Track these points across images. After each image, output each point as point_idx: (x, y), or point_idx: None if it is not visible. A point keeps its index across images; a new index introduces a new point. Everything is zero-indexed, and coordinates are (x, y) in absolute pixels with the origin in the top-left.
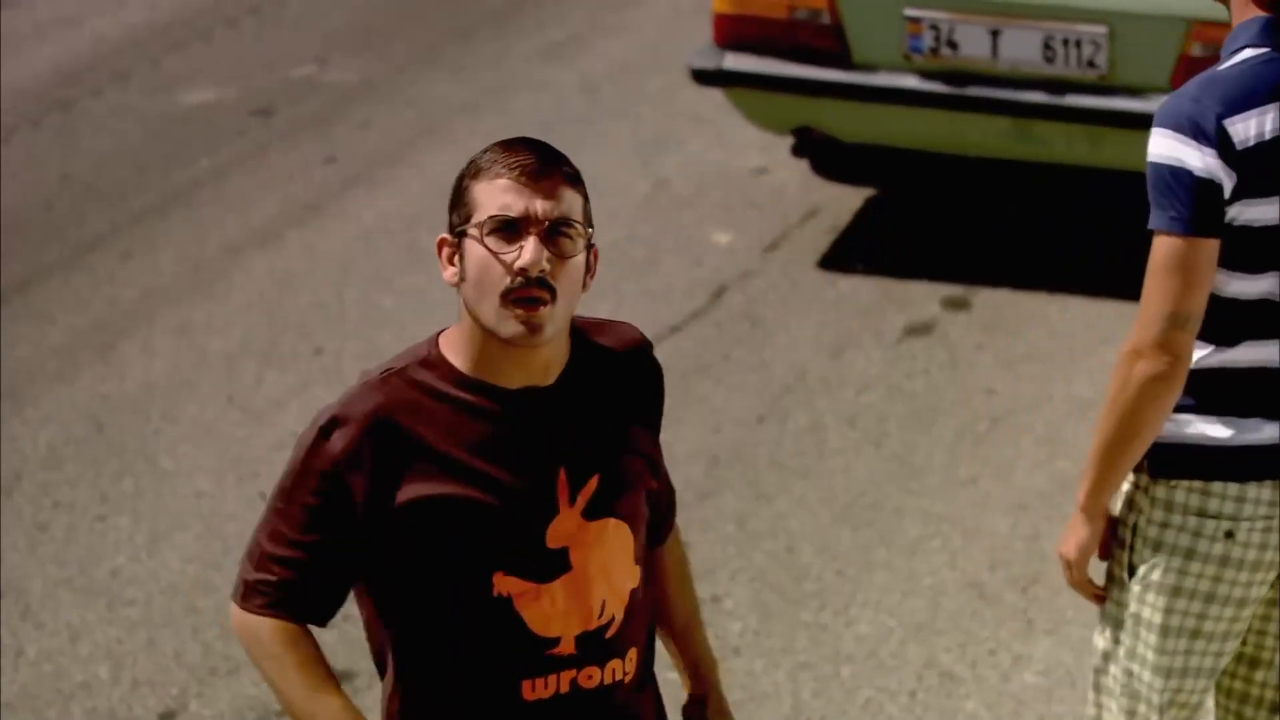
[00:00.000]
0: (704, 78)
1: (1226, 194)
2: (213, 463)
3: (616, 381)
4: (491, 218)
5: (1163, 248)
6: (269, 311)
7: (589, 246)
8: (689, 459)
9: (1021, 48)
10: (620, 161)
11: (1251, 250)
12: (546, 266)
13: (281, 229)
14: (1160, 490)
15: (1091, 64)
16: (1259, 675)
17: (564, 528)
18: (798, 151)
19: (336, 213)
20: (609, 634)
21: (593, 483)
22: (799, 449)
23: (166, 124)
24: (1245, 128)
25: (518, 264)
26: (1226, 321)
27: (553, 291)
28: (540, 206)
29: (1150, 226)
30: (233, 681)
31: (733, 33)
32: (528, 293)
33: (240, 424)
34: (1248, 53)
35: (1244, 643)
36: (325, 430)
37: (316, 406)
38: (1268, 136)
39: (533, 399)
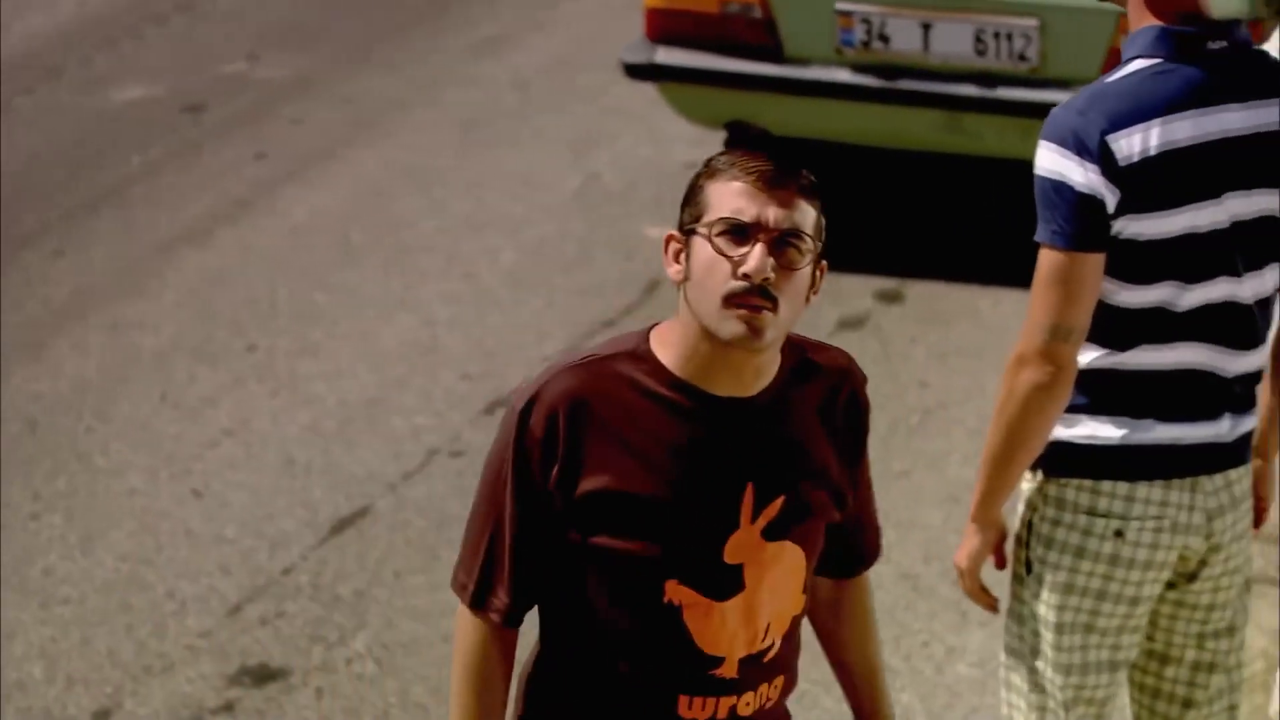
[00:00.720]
0: (635, 72)
1: (1110, 209)
2: (146, 460)
3: (820, 407)
4: (722, 219)
5: (1046, 261)
6: (201, 308)
7: (817, 261)
8: None
9: (953, 41)
10: (552, 157)
11: (1140, 263)
12: (771, 275)
13: (213, 226)
14: (1052, 488)
15: (1023, 57)
16: (1169, 671)
17: (743, 544)
18: (730, 145)
19: (268, 209)
20: (767, 658)
21: (777, 504)
22: None
23: (98, 121)
24: (1129, 144)
25: (743, 269)
26: (1120, 327)
27: (775, 301)
28: (773, 214)
29: (1035, 239)
30: (167, 679)
31: (664, 27)
32: (749, 299)
33: (173, 421)
34: (1138, 64)
35: (1153, 639)
36: (525, 412)
37: (250, 403)
38: (1153, 152)
39: (734, 409)
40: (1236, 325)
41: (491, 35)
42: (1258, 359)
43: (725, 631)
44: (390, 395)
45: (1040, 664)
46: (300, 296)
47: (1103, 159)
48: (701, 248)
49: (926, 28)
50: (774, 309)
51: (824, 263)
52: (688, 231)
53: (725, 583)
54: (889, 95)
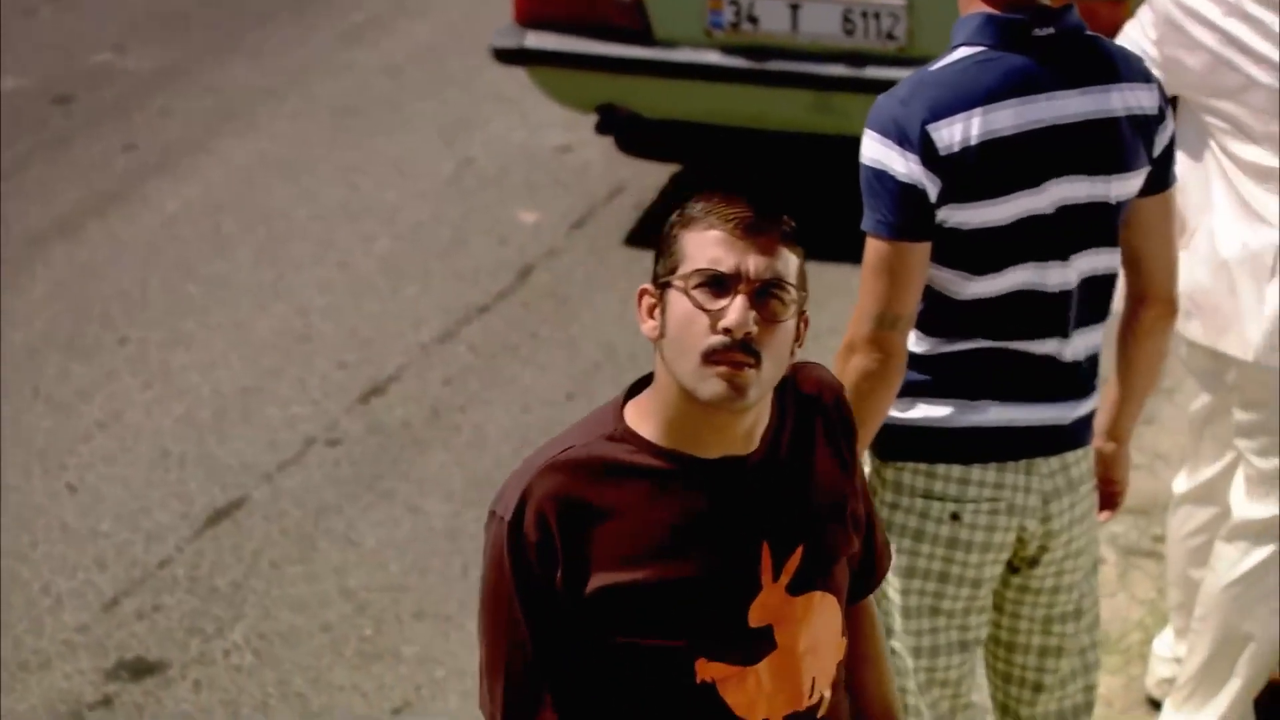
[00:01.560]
0: (506, 57)
1: (932, 199)
2: (19, 456)
3: (815, 435)
4: (699, 270)
5: (871, 250)
6: (72, 301)
7: (801, 312)
8: (499, 440)
9: (821, 21)
10: (424, 143)
11: (972, 252)
12: (753, 329)
13: (83, 218)
14: (889, 472)
15: (891, 36)
16: (1018, 659)
17: (768, 605)
18: (602, 129)
19: (138, 201)
20: (820, 714)
21: (797, 555)
22: None
23: None
24: (950, 133)
25: (722, 323)
26: (962, 318)
27: (758, 357)
28: (753, 264)
29: (861, 228)
30: (44, 675)
31: (534, 11)
32: (730, 355)
33: (45, 415)
34: (963, 51)
35: (999, 626)
36: (515, 523)
37: (123, 396)
38: (974, 142)
39: (732, 469)
40: (1060, 311)
41: (361, 22)
42: (1094, 341)
43: (762, 693)
44: (265, 385)
45: (895, 645)
46: (172, 288)
47: (923, 149)
48: (677, 302)
49: (795, 8)
50: (757, 365)
51: (806, 314)
52: (662, 285)
53: (755, 646)
54: (758, 76)
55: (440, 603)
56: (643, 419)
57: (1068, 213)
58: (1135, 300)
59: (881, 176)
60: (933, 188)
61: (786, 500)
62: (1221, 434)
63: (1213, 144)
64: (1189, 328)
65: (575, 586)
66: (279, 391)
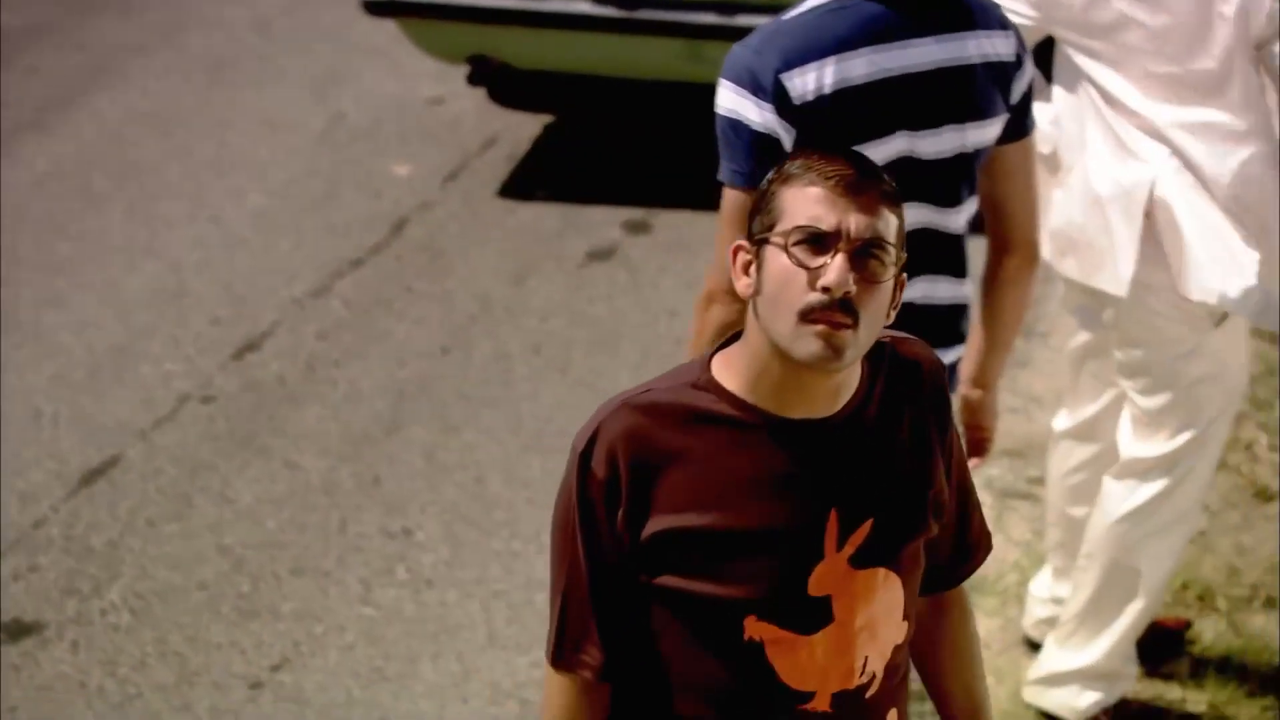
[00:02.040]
0: (376, 9)
1: (787, 148)
2: None
3: (905, 409)
4: (799, 227)
5: (727, 199)
6: None
7: (899, 273)
8: (374, 394)
9: None
10: (296, 97)
11: None
12: (853, 289)
13: None
14: None
15: None
16: None
17: (829, 575)
18: (473, 80)
19: (8, 159)
20: (869, 694)
21: (865, 528)
22: (485, 379)
23: None
24: (804, 82)
25: (821, 281)
26: None
27: (856, 317)
28: (854, 223)
29: (718, 178)
30: None
31: None
32: (829, 315)
33: None
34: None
35: None
36: (585, 455)
37: None
38: (826, 90)
39: (812, 431)
40: (938, 255)
41: None
42: (958, 290)
43: (814, 665)
44: (138, 343)
45: None
46: (43, 246)
47: (777, 98)
48: (775, 258)
49: None
50: (854, 326)
51: (904, 275)
52: (759, 241)
53: (812, 616)
54: (630, 25)
55: (318, 558)
56: (729, 372)
57: (921, 163)
58: (997, 248)
59: (736, 126)
60: (787, 136)
61: (862, 470)
62: (1101, 372)
63: (1087, 82)
64: (1065, 265)
65: (636, 526)
66: (152, 349)
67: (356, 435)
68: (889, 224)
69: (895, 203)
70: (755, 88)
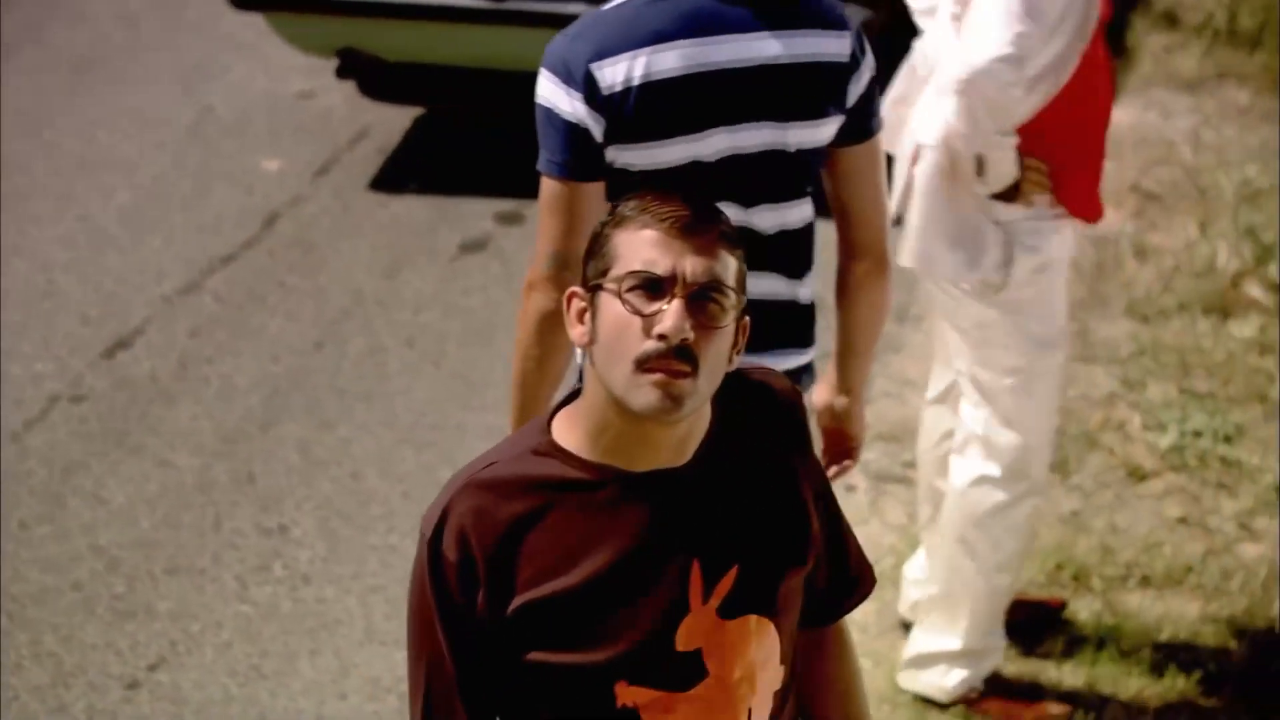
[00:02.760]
0: (244, 3)
1: (598, 138)
2: None
3: (761, 446)
4: (632, 273)
5: (545, 189)
6: None
7: (739, 317)
8: (248, 390)
9: None
10: (163, 92)
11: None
12: (690, 335)
13: None
14: None
15: None
16: None
17: (696, 628)
18: (343, 73)
19: None
20: None
21: (731, 575)
22: (359, 373)
23: None
24: (614, 73)
25: (657, 329)
26: None
27: (695, 364)
28: (690, 266)
29: (536, 167)
30: None
31: None
32: (666, 364)
33: None
34: None
35: None
36: (434, 541)
37: None
38: (635, 82)
39: (662, 482)
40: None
41: None
42: (793, 289)
43: None
44: (7, 343)
45: None
46: None
47: (587, 88)
48: (609, 305)
49: None
50: (694, 374)
51: (746, 319)
52: (593, 288)
53: (683, 673)
54: (500, 17)
55: (193, 557)
56: (571, 430)
57: (741, 160)
58: (845, 252)
59: (551, 115)
60: (597, 127)
61: (721, 516)
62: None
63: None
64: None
65: (497, 606)
66: (21, 349)
67: (230, 432)
68: (727, 266)
69: (735, 244)
70: (567, 77)
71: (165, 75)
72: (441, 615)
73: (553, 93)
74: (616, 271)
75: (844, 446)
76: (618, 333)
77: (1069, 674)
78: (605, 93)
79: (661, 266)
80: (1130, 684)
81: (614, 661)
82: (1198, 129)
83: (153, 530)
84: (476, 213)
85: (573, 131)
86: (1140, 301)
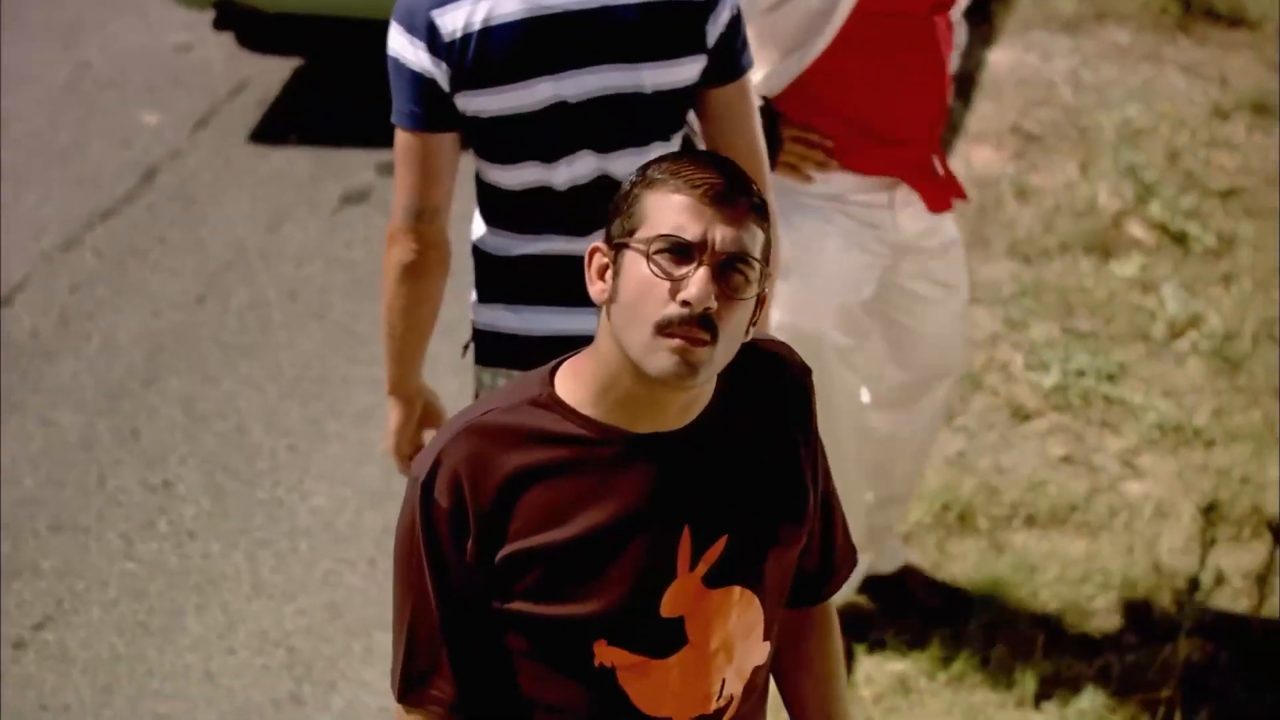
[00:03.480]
0: None
1: (445, 87)
2: None
3: (763, 417)
4: (662, 236)
5: (398, 141)
6: None
7: (761, 290)
8: (130, 346)
9: None
10: (39, 48)
11: (493, 141)
12: (713, 304)
13: None
14: (486, 375)
15: None
16: None
17: (681, 595)
18: (220, 25)
19: None
20: (726, 717)
21: (720, 545)
22: (242, 327)
23: None
24: (454, 19)
25: (683, 295)
26: (507, 210)
27: (715, 332)
28: (719, 235)
29: (390, 120)
30: None
31: None
32: (687, 331)
33: None
34: None
35: None
36: (427, 485)
37: None
38: (475, 28)
39: (660, 445)
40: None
41: None
42: None
43: (669, 690)
44: None
45: None
46: None
47: (429, 36)
48: (634, 266)
49: None
50: (713, 342)
51: (766, 292)
52: (618, 245)
53: (664, 639)
54: None
55: (78, 514)
56: (574, 384)
57: (596, 105)
58: None
59: (399, 66)
60: (441, 76)
61: (715, 486)
62: None
63: None
64: None
65: (486, 554)
66: None
67: (113, 388)
68: (755, 238)
69: (764, 217)
70: (410, 26)
71: (41, 31)
72: (430, 559)
73: (400, 44)
74: (645, 233)
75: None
76: (641, 294)
77: (957, 616)
78: (446, 39)
79: (691, 232)
80: (1016, 625)
81: (596, 619)
82: (1077, 69)
83: (36, 489)
84: (358, 163)
85: (419, 81)
86: (1022, 242)
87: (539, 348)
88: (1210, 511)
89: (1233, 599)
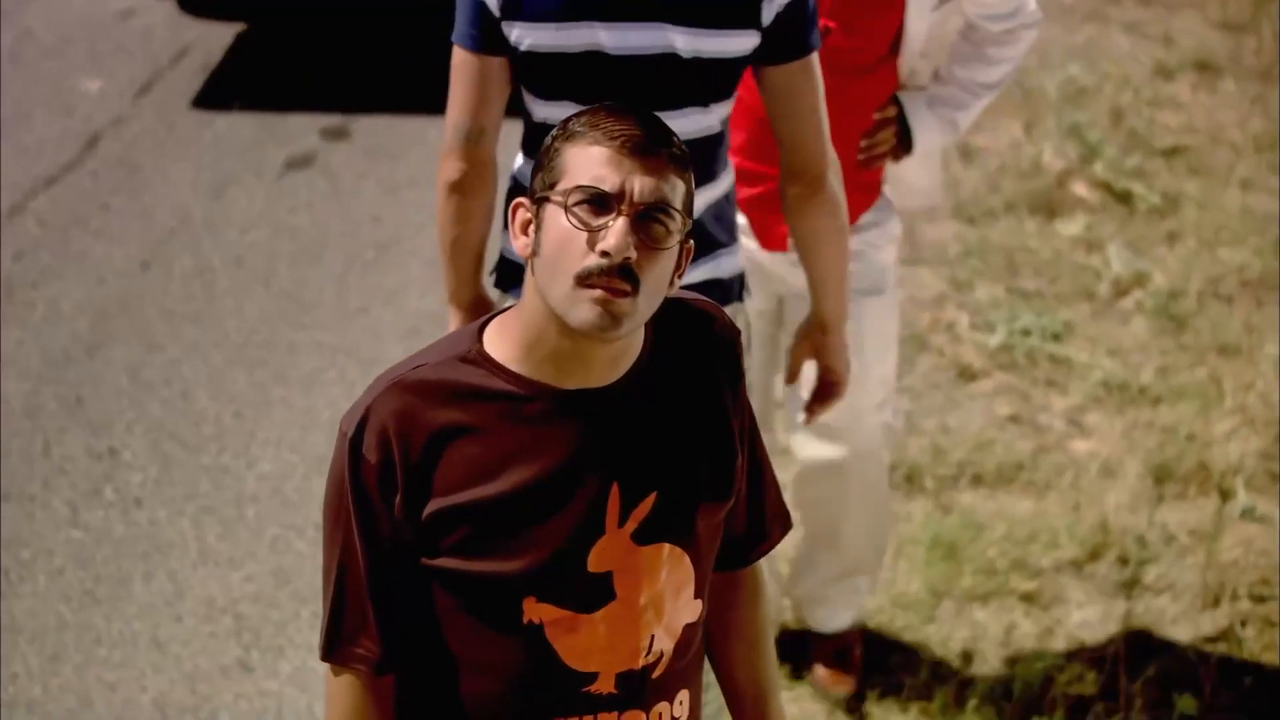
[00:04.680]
0: None
1: (495, 12)
2: None
3: (692, 375)
4: (580, 187)
5: (454, 60)
6: None
7: (684, 241)
8: (74, 314)
9: None
10: None
11: (534, 73)
12: (633, 255)
13: None
14: (510, 301)
15: None
16: None
17: (609, 551)
18: None
19: None
20: (656, 673)
21: (648, 502)
22: (187, 294)
23: None
24: None
25: (601, 245)
26: (539, 143)
27: (636, 283)
28: (638, 185)
29: (451, 37)
30: None
31: None
32: (607, 282)
33: None
34: None
35: None
36: (356, 441)
37: None
38: None
39: (588, 401)
40: None
41: None
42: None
43: (596, 645)
44: None
45: None
46: None
47: None
48: (554, 218)
49: None
50: (634, 292)
51: (690, 243)
52: (539, 200)
53: (592, 594)
54: None
55: (24, 483)
56: (503, 340)
57: (633, 61)
58: (781, 175)
59: None
60: (493, 1)
61: (643, 443)
62: None
63: None
64: None
65: (413, 510)
66: None
67: (57, 356)
68: (675, 189)
69: (684, 167)
70: None
71: None
72: (358, 515)
73: None
74: (564, 185)
75: (827, 381)
76: (561, 246)
77: (902, 576)
78: None
79: (609, 183)
80: (963, 582)
81: (523, 575)
82: None
83: None
84: (302, 129)
85: (475, 5)
86: (967, 203)
87: None
88: (1157, 469)
89: (1179, 556)
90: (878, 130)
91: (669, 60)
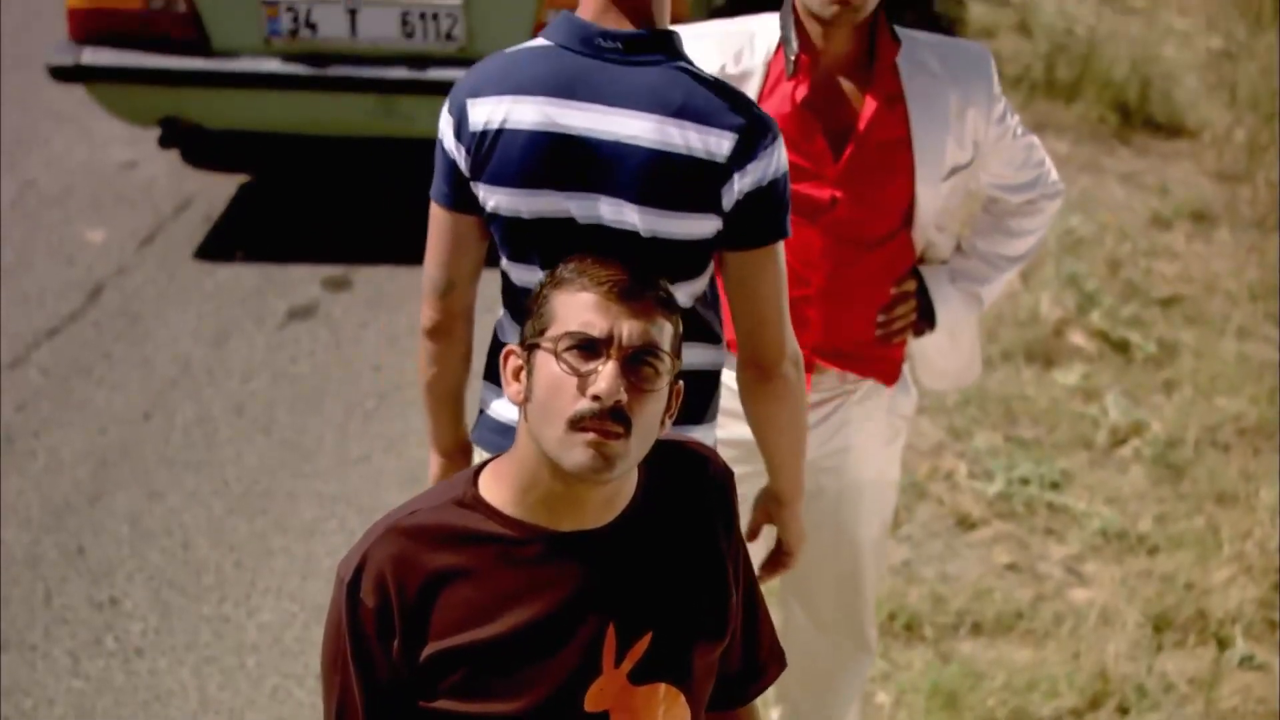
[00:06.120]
0: (63, 74)
1: (465, 172)
2: None
3: (684, 518)
4: (570, 333)
5: (430, 214)
6: None
7: (673, 381)
8: (75, 463)
9: (379, 25)
10: None
11: (503, 235)
12: (624, 397)
13: None
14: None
15: (450, 36)
16: None
17: (606, 691)
18: (165, 142)
19: None
20: None
21: (644, 641)
22: (188, 442)
23: None
24: (482, 112)
25: (592, 389)
26: (513, 303)
27: (627, 425)
28: (627, 329)
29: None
30: None
31: (88, 27)
32: (599, 424)
33: None
34: (537, 40)
35: None
36: (353, 585)
37: None
38: (496, 126)
39: (584, 543)
40: None
41: None
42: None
43: None
44: None
45: None
46: None
47: (459, 121)
48: (546, 364)
49: (353, 13)
50: (626, 434)
51: (680, 384)
52: (530, 346)
53: None
54: (319, 83)
55: (24, 632)
56: (498, 484)
57: (599, 230)
58: (739, 359)
59: (440, 142)
60: (463, 161)
61: (638, 583)
62: None
63: None
64: None
65: (411, 653)
66: None
67: (58, 505)
68: (663, 331)
69: (670, 310)
70: (450, 108)
71: None
72: (355, 659)
73: (444, 121)
74: (554, 331)
75: (777, 549)
76: (553, 391)
77: None
78: (471, 129)
79: (598, 328)
80: None
81: (521, 716)
82: None
83: None
84: (304, 279)
85: (448, 163)
86: None
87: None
88: (1156, 617)
89: (1179, 704)
90: (895, 304)
91: (632, 238)
